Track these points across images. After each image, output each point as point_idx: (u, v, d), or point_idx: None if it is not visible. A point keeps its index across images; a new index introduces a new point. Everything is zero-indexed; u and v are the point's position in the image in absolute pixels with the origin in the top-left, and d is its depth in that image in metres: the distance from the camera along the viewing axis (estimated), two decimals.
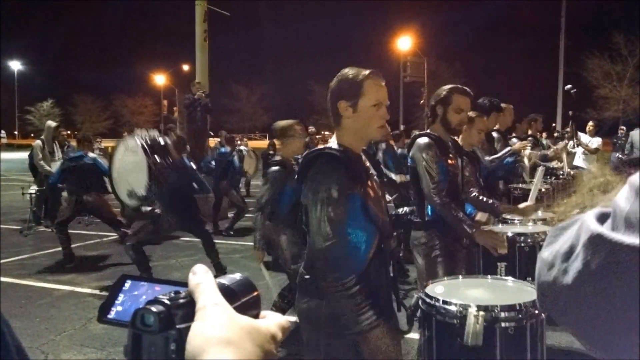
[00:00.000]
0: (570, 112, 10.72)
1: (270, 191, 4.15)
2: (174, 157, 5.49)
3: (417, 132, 3.34)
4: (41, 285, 5.85)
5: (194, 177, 6.02)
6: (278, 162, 4.32)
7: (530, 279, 3.52)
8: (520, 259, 3.54)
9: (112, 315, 0.62)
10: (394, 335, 2.16)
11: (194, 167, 6.08)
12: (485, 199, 3.39)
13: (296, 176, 2.18)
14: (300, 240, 4.30)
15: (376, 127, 2.09)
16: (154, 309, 0.53)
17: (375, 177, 2.18)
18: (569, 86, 8.06)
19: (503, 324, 1.91)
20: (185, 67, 40.74)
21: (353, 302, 1.99)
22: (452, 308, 1.96)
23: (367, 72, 2.08)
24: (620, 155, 13.42)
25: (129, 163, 5.52)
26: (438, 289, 2.21)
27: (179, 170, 5.50)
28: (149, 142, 5.55)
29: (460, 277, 2.44)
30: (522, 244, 3.52)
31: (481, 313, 1.86)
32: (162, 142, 5.73)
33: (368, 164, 2.19)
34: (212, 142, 13.35)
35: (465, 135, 3.93)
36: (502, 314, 1.93)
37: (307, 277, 2.09)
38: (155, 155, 5.38)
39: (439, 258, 3.02)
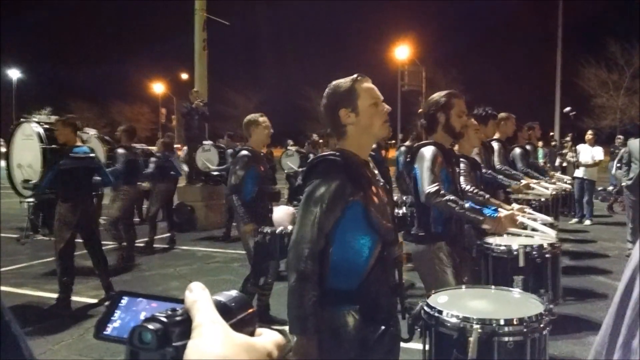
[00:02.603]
0: (569, 136, 10.74)
1: (240, 172, 4.62)
2: (68, 142, 5.31)
3: (419, 142, 3.30)
4: (39, 295, 5.84)
5: (96, 167, 5.64)
6: (247, 148, 4.80)
7: (543, 290, 3.52)
8: (533, 271, 3.49)
9: (109, 331, 0.62)
10: (395, 344, 2.16)
11: (94, 156, 5.63)
12: (478, 192, 3.61)
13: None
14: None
15: (380, 123, 2.12)
16: (151, 326, 0.54)
17: (381, 183, 2.18)
18: (568, 108, 8.11)
19: (504, 338, 1.89)
20: (184, 76, 40.79)
21: (353, 311, 1.99)
22: (452, 320, 1.94)
23: (354, 76, 2.14)
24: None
25: (26, 151, 5.44)
26: (441, 299, 2.19)
27: (77, 158, 5.30)
28: (45, 128, 5.56)
29: (463, 287, 2.41)
30: (535, 257, 3.48)
31: (476, 326, 1.85)
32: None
33: (376, 170, 2.20)
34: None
35: (465, 141, 3.92)
36: (505, 328, 1.90)
37: None
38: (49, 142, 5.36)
39: (446, 271, 2.96)
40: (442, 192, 2.86)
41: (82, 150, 5.46)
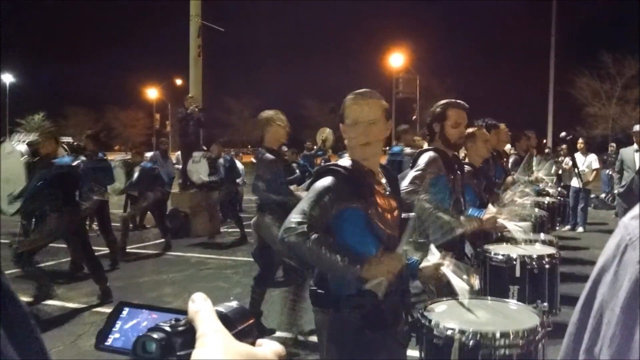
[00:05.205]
0: (568, 158, 10.85)
1: (268, 176, 4.37)
2: (50, 154, 5.49)
3: (424, 147, 3.38)
4: (31, 301, 5.78)
5: (77, 176, 5.88)
6: (268, 149, 4.54)
7: (539, 301, 3.52)
8: (530, 281, 3.50)
9: (110, 342, 0.63)
10: (397, 349, 2.19)
11: (78, 166, 5.94)
12: None
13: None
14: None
15: (358, 145, 2.14)
16: (155, 335, 0.54)
17: (387, 192, 2.20)
18: (563, 133, 8.30)
19: (500, 351, 1.89)
20: (178, 81, 40.77)
21: (355, 314, 2.00)
22: (446, 332, 1.94)
23: (351, 94, 2.17)
24: (610, 172, 13.56)
25: (7, 169, 5.59)
26: (439, 308, 2.20)
27: (60, 168, 5.47)
28: (28, 144, 5.82)
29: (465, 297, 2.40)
30: (532, 267, 3.50)
31: (461, 337, 1.86)
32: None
33: (384, 180, 2.23)
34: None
35: (473, 151, 3.94)
36: (501, 341, 1.90)
37: (313, 288, 2.16)
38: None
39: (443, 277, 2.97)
40: (418, 191, 2.90)
41: (64, 161, 5.60)
